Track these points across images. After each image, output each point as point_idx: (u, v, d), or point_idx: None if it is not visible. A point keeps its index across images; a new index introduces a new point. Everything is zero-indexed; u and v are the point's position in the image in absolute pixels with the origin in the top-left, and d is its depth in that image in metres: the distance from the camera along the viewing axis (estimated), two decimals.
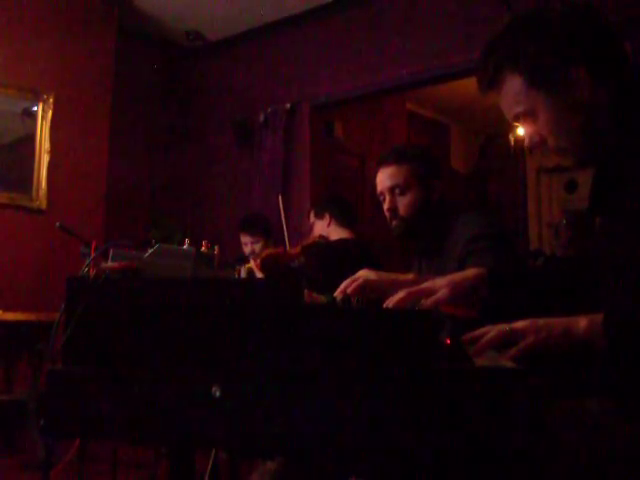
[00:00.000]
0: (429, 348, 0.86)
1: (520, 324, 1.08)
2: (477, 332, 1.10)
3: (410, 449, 0.81)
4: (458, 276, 1.29)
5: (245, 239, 3.83)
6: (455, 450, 0.79)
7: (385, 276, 1.43)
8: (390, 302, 1.22)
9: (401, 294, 1.21)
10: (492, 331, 1.08)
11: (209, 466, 2.41)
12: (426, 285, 1.26)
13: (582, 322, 1.04)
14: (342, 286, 1.37)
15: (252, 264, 2.89)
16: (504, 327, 1.08)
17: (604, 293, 1.17)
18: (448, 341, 1.03)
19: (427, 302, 1.20)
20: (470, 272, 1.32)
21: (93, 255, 1.16)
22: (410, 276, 1.47)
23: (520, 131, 6.74)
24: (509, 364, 1.01)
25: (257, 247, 3.74)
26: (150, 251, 1.20)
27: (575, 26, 1.14)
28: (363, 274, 1.40)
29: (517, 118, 1.20)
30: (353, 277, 1.38)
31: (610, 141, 1.15)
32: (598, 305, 1.19)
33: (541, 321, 1.07)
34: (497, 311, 1.30)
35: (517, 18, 1.20)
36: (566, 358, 1.14)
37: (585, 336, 1.02)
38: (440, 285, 1.24)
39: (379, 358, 0.85)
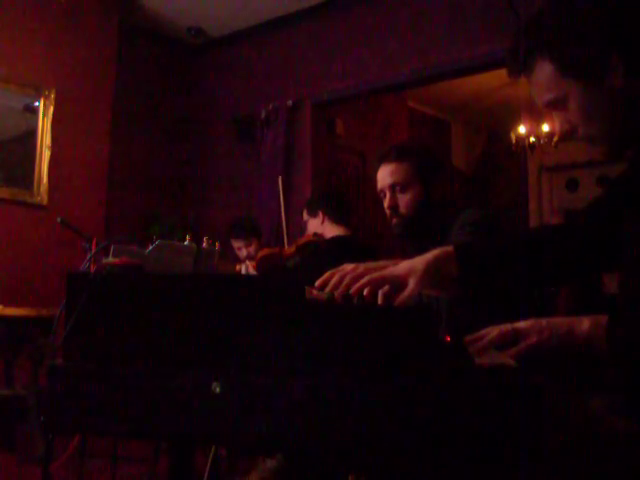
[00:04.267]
0: (429, 346, 0.86)
1: (523, 324, 1.08)
2: (479, 332, 1.10)
3: (409, 448, 0.81)
4: (419, 261, 1.18)
5: (238, 244, 3.89)
6: (455, 449, 0.79)
7: (372, 266, 1.25)
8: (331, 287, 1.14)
9: (363, 280, 1.12)
10: (494, 331, 1.08)
11: (209, 463, 2.41)
12: (389, 273, 1.16)
13: (585, 323, 1.03)
14: (331, 281, 1.19)
15: (249, 265, 2.89)
16: (507, 327, 1.08)
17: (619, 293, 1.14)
18: (448, 339, 1.03)
19: (398, 301, 1.12)
20: (433, 252, 1.19)
21: (94, 250, 1.16)
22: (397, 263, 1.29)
23: (521, 129, 6.75)
24: (510, 363, 1.01)
25: (252, 249, 3.81)
26: (151, 247, 1.21)
27: (609, 13, 1.09)
28: (349, 268, 1.21)
29: (548, 105, 1.16)
30: (340, 270, 1.21)
31: None
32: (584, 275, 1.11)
33: (544, 321, 1.07)
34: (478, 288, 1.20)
35: (550, 2, 1.15)
36: (568, 357, 1.13)
37: (587, 337, 1.02)
38: (404, 275, 1.15)
39: (379, 356, 0.85)
